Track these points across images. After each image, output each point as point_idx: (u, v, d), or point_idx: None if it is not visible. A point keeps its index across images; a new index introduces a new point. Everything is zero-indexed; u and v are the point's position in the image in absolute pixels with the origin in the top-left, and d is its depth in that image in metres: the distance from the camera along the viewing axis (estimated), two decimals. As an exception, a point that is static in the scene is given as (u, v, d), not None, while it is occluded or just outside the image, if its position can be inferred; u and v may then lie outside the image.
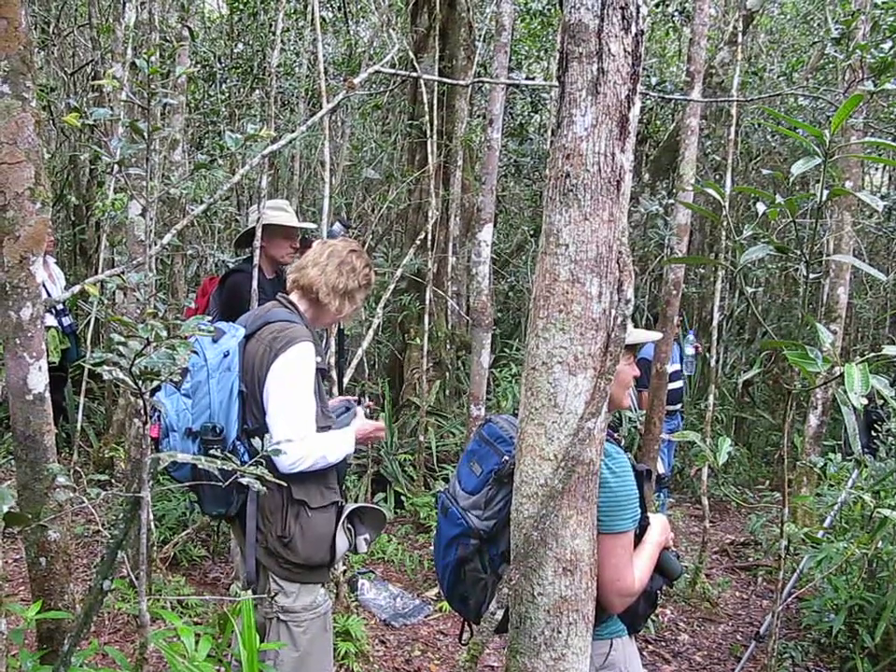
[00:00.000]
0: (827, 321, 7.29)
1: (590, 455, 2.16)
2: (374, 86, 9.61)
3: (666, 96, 7.00)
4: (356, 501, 7.00)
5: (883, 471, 4.55)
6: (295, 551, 3.07)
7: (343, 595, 5.34)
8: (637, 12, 2.16)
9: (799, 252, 2.29)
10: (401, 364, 8.43)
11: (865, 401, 1.76)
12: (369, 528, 3.32)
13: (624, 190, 2.12)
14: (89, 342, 7.44)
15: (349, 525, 3.23)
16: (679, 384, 7.82)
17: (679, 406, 7.98)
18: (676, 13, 11.21)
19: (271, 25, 9.57)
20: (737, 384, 10.13)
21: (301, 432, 2.95)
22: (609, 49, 2.12)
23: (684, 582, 6.39)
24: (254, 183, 8.99)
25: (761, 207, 2.20)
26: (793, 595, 5.35)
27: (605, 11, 2.13)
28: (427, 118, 7.22)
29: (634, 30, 2.17)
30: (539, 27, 11.73)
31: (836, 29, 5.31)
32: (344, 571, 5.59)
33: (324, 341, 5.02)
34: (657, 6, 10.84)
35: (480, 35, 8.84)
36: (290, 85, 10.13)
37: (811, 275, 2.15)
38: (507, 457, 2.48)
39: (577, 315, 2.08)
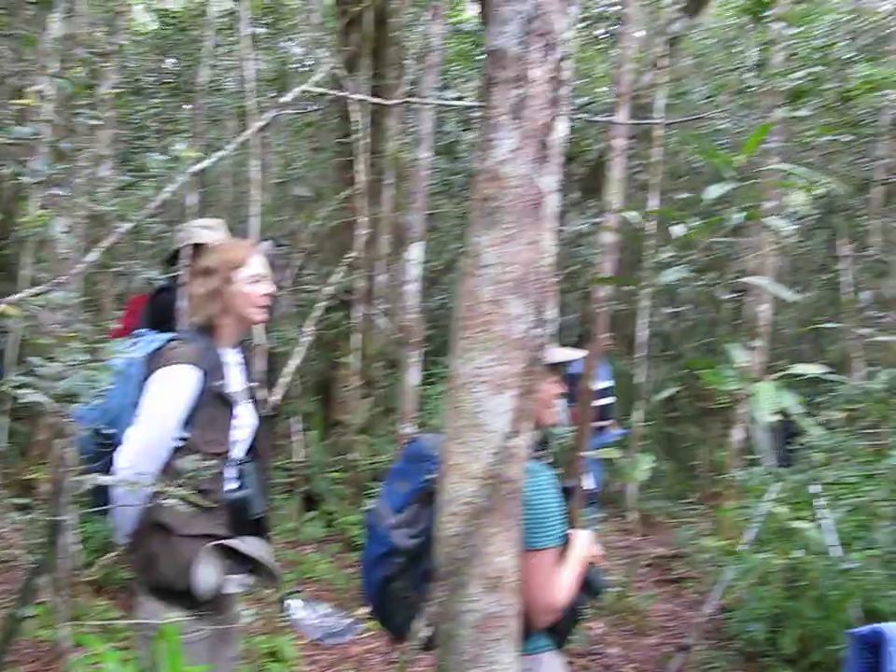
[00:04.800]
0: (750, 337, 7.48)
1: (513, 474, 2.19)
2: (305, 103, 9.60)
3: (592, 118, 7.12)
4: (288, 520, 6.97)
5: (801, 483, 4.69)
6: (158, 572, 2.97)
7: (273, 615, 5.30)
8: (560, 39, 2.22)
9: (716, 273, 2.36)
10: (332, 382, 8.40)
11: (773, 419, 1.83)
12: (257, 575, 3.17)
13: (546, 213, 2.17)
14: (14, 360, 7.27)
15: (228, 561, 3.09)
16: (609, 400, 7.92)
17: (609, 422, 8.08)
18: (604, 34, 11.40)
19: (202, 41, 9.50)
20: (659, 400, 10.27)
21: (133, 458, 2.88)
22: (531, 75, 2.17)
23: (614, 596, 6.47)
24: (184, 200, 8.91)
25: (677, 230, 2.27)
26: (720, 607, 5.47)
27: (527, 38, 2.18)
28: (357, 136, 7.24)
29: (556, 56, 2.22)
30: (469, 47, 11.82)
31: (754, 56, 5.47)
32: (276, 591, 5.55)
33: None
34: (585, 27, 11.02)
35: (411, 55, 8.90)
36: (221, 101, 10.06)
37: (729, 294, 2.22)
38: (431, 476, 2.50)
39: (499, 335, 2.11)
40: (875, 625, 1.12)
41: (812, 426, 2.23)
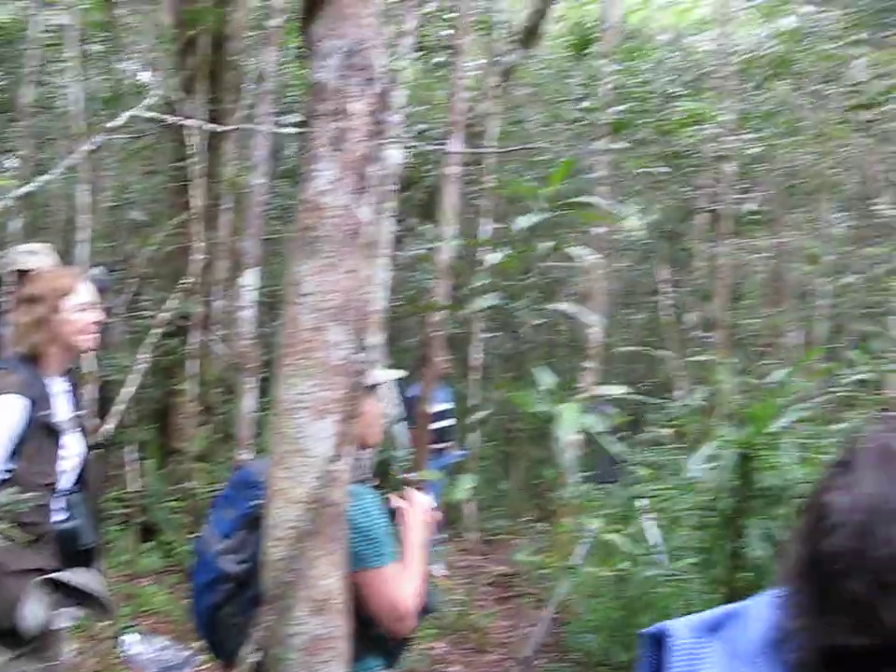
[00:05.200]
0: (584, 358, 7.76)
1: (336, 497, 2.24)
2: (140, 124, 9.39)
3: (427, 146, 7.27)
4: (124, 552, 6.77)
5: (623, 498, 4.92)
6: None
7: (107, 651, 5.14)
8: (380, 73, 2.30)
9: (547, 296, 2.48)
10: (169, 410, 8.22)
11: (573, 437, 1.95)
12: (88, 608, 3.11)
13: (366, 242, 2.23)
14: None
15: (58, 595, 3.00)
16: (448, 422, 8.05)
17: (449, 444, 8.21)
18: (443, 62, 11.61)
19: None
20: (483, 421, 10.45)
21: None
22: (351, 109, 2.23)
23: (455, 615, 6.56)
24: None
25: (491, 257, 2.38)
26: (558, 621, 5.64)
27: (347, 72, 2.25)
28: (193, 160, 7.15)
29: (376, 90, 2.30)
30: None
31: (580, 90, 5.73)
32: (110, 626, 5.39)
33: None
34: (421, 56, 11.19)
35: (249, 79, 8.84)
36: (50, 121, 9.73)
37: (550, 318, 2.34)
38: (258, 502, 2.51)
39: (320, 361, 2.16)
40: (661, 623, 1.21)
41: (613, 444, 2.36)
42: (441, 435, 7.65)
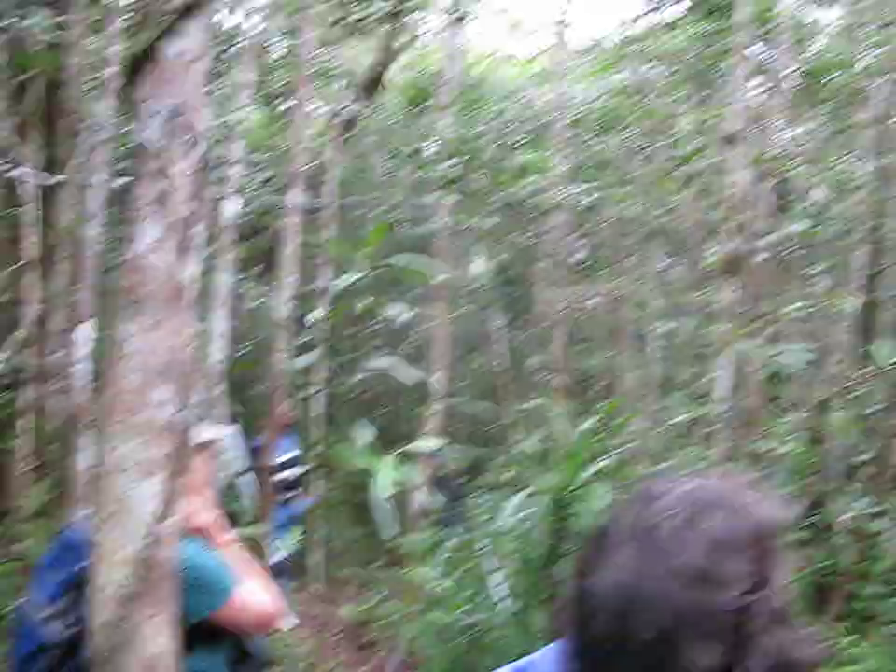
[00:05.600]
0: (428, 408, 7.88)
1: (164, 556, 2.23)
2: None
3: (270, 196, 7.29)
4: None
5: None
6: None
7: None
8: (204, 134, 2.34)
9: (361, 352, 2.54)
10: (1, 468, 7.86)
11: (390, 491, 2.03)
12: None
13: (189, 301, 2.26)
14: None
15: None
16: (295, 471, 8.00)
17: (297, 492, 8.15)
18: (288, 110, 11.67)
19: None
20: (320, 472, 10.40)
21: None
22: (174, 169, 2.27)
23: (304, 666, 6.51)
24: None
25: (312, 315, 2.44)
26: (408, 667, 5.66)
27: (169, 132, 2.28)
28: (26, 207, 6.93)
29: (199, 151, 2.34)
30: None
31: (415, 144, 5.90)
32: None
33: None
34: (267, 104, 11.25)
35: (86, 127, 8.64)
36: None
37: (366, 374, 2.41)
38: (83, 564, 2.47)
39: (145, 421, 2.17)
40: None
41: (430, 497, 2.44)
42: (289, 484, 7.60)
